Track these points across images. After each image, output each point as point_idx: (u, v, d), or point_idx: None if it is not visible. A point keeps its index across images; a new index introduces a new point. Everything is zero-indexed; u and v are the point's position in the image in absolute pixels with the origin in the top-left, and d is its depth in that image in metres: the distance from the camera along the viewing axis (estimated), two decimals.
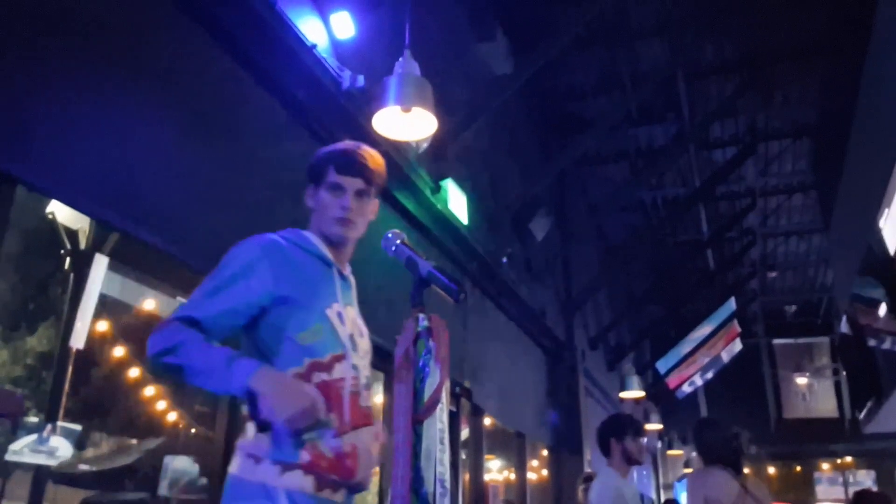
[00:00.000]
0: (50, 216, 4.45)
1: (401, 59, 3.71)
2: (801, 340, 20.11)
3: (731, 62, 9.22)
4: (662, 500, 15.21)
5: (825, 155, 10.63)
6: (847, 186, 9.46)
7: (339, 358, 1.79)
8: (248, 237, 1.85)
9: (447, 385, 1.66)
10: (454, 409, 6.28)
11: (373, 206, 1.98)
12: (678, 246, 13.68)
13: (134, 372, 5.50)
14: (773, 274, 15.89)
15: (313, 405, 1.64)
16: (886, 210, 7.15)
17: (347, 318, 1.86)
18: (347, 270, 1.98)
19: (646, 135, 10.64)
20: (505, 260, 7.30)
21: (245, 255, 1.79)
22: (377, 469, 1.53)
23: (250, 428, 1.74)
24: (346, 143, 1.97)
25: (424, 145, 5.29)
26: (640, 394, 12.23)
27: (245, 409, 1.75)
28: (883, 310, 8.41)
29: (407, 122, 3.94)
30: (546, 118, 9.78)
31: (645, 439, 3.93)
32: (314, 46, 3.99)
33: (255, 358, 1.71)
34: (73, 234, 4.57)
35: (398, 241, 1.79)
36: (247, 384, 1.60)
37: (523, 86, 7.24)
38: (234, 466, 1.73)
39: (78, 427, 4.03)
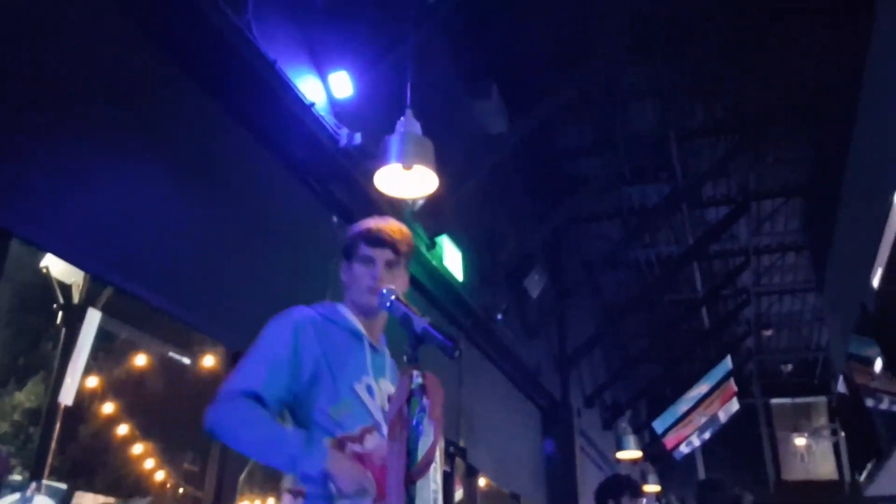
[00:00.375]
0: (44, 270, 4.45)
1: (402, 118, 3.78)
2: (799, 400, 19.91)
3: (722, 124, 9.39)
4: None
5: (817, 214, 10.74)
6: (839, 246, 9.53)
7: (370, 430, 1.88)
8: (285, 311, 1.96)
9: (441, 444, 1.66)
10: (448, 470, 6.16)
11: (403, 279, 2.09)
12: (673, 304, 13.67)
13: (122, 429, 5.39)
14: (769, 332, 15.84)
15: (369, 484, 1.80)
16: (879, 269, 7.20)
17: (378, 391, 1.94)
18: (381, 342, 2.08)
19: (639, 194, 10.74)
20: (500, 317, 7.28)
21: (286, 331, 1.91)
22: None
23: (286, 497, 1.85)
24: (375, 219, 2.13)
25: (420, 202, 5.33)
26: (638, 454, 12.04)
27: (287, 482, 1.85)
28: (879, 369, 8.38)
29: (408, 180, 3.99)
30: (540, 176, 9.90)
31: (643, 500, 3.87)
32: (312, 105, 4.06)
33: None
34: (66, 289, 4.56)
35: (393, 298, 1.80)
36: (325, 467, 1.75)
37: (518, 144, 7.35)
38: None
39: (63, 486, 3.94)
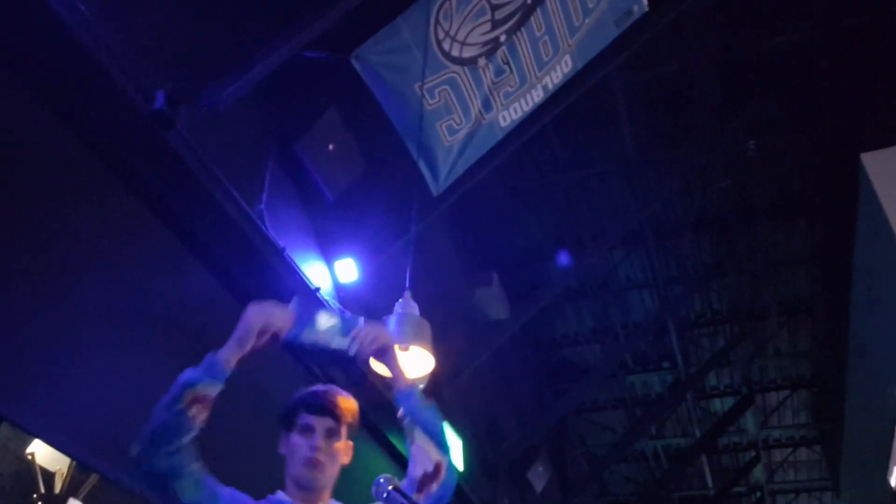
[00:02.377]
0: (29, 456, 4.29)
1: (401, 299, 3.83)
2: None
3: (720, 315, 9.51)
4: None
5: (825, 408, 10.55)
6: (850, 441, 9.25)
7: None
8: None
9: None
10: None
11: (345, 448, 1.94)
12: (684, 501, 13.03)
13: None
14: None
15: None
16: (895, 468, 6.93)
17: None
18: None
19: (642, 383, 10.63)
20: None
21: None
22: None
23: None
24: (316, 386, 2.00)
25: (419, 386, 5.25)
26: None
27: None
28: None
29: (405, 361, 3.95)
30: (542, 364, 9.84)
31: None
32: (317, 290, 4.14)
33: None
34: (49, 477, 4.36)
35: (390, 488, 1.71)
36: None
37: (519, 331, 7.38)
38: None
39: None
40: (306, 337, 1.85)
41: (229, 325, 3.78)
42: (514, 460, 7.69)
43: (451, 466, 1.89)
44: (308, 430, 1.89)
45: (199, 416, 1.75)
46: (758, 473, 12.49)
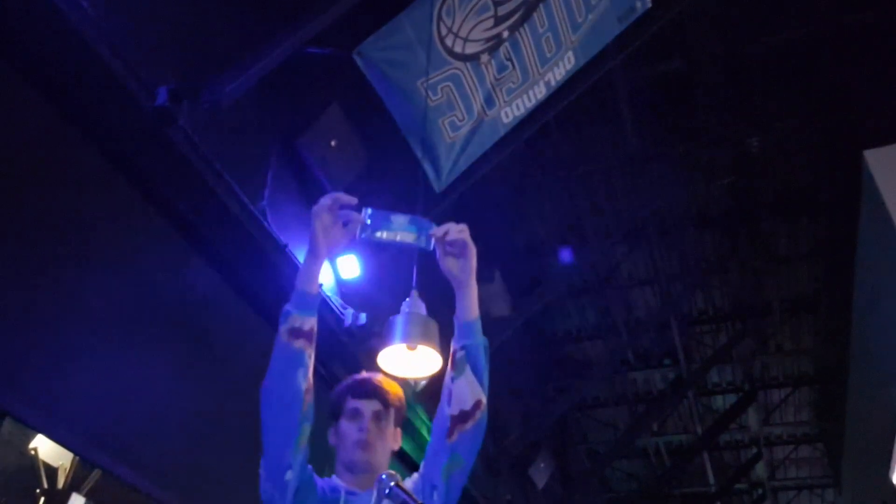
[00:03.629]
0: (32, 451, 4.30)
1: (408, 298, 3.83)
2: None
3: (723, 312, 9.50)
4: None
5: (827, 406, 10.55)
6: (852, 440, 9.25)
7: None
8: None
9: None
10: None
11: (394, 433, 1.97)
12: (685, 498, 13.03)
13: None
14: None
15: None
16: None
17: None
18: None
19: (644, 379, 10.63)
20: None
21: None
22: None
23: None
24: (362, 373, 2.03)
25: (423, 383, 5.26)
26: None
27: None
28: None
29: (412, 360, 3.95)
30: (544, 360, 9.84)
31: None
32: (320, 286, 4.13)
33: None
34: (52, 472, 4.37)
35: (392, 484, 1.71)
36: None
37: (521, 327, 7.39)
38: None
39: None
40: (381, 236, 1.85)
41: (231, 321, 3.81)
42: (516, 456, 7.70)
43: (486, 408, 1.86)
44: (356, 414, 1.91)
45: (305, 349, 1.77)
46: (759, 470, 12.50)
